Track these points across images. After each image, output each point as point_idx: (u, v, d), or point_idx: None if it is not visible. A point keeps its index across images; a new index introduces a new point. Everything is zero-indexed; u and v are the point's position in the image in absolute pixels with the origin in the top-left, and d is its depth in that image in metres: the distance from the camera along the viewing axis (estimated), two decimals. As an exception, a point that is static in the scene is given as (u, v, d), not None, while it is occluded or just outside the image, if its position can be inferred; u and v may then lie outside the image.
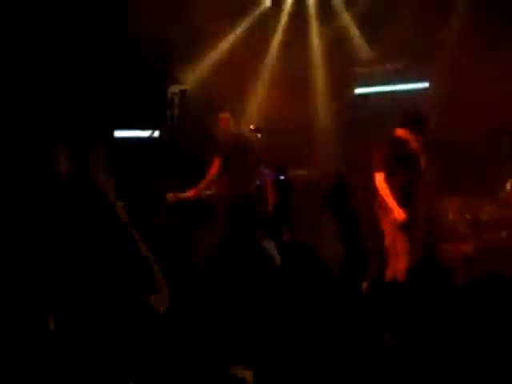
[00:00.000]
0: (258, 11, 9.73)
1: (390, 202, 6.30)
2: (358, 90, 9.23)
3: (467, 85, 7.91)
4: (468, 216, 7.67)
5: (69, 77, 8.67)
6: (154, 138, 9.33)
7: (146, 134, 9.56)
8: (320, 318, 3.04)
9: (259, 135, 8.17)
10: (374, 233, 6.75)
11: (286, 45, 9.52)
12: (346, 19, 9.31)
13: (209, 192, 7.33)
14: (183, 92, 9.07)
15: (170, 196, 7.30)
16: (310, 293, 3.29)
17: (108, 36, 8.88)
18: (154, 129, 9.42)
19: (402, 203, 6.32)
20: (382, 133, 9.11)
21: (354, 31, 9.19)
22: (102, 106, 9.12)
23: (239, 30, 9.54)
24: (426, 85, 8.55)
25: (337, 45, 9.25)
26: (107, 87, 9.02)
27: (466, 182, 7.64)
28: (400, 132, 6.44)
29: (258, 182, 7.86)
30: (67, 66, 8.68)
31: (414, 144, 6.41)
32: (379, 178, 6.38)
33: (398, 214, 6.27)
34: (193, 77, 9.36)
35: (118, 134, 9.56)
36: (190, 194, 7.24)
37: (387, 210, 6.38)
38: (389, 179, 6.36)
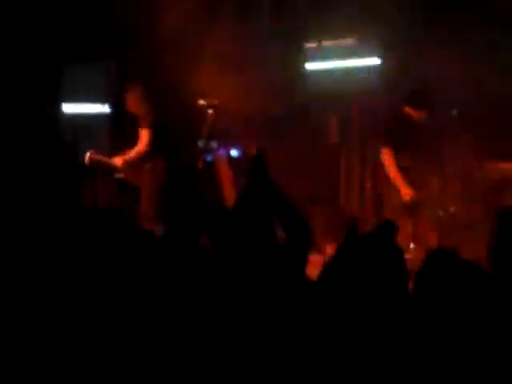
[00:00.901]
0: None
1: (398, 179, 6.24)
2: (309, 66, 9.17)
3: (419, 62, 7.93)
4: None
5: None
6: (104, 113, 9.19)
7: (95, 108, 9.40)
8: None
9: (211, 110, 8.09)
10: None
11: (234, 19, 9.37)
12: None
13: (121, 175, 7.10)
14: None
15: (87, 156, 7.00)
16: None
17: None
18: (104, 102, 9.27)
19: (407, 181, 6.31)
20: (336, 108, 9.20)
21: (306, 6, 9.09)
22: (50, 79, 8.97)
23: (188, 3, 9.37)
24: (377, 61, 8.53)
25: (287, 19, 9.14)
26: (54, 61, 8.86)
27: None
28: (405, 108, 6.50)
29: (208, 158, 7.79)
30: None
31: (418, 120, 6.46)
32: (387, 154, 6.34)
33: (406, 192, 6.22)
34: (142, 50, 9.20)
35: (68, 108, 9.38)
36: (116, 162, 7.01)
37: (392, 187, 6.33)
38: (394, 155, 6.36)
